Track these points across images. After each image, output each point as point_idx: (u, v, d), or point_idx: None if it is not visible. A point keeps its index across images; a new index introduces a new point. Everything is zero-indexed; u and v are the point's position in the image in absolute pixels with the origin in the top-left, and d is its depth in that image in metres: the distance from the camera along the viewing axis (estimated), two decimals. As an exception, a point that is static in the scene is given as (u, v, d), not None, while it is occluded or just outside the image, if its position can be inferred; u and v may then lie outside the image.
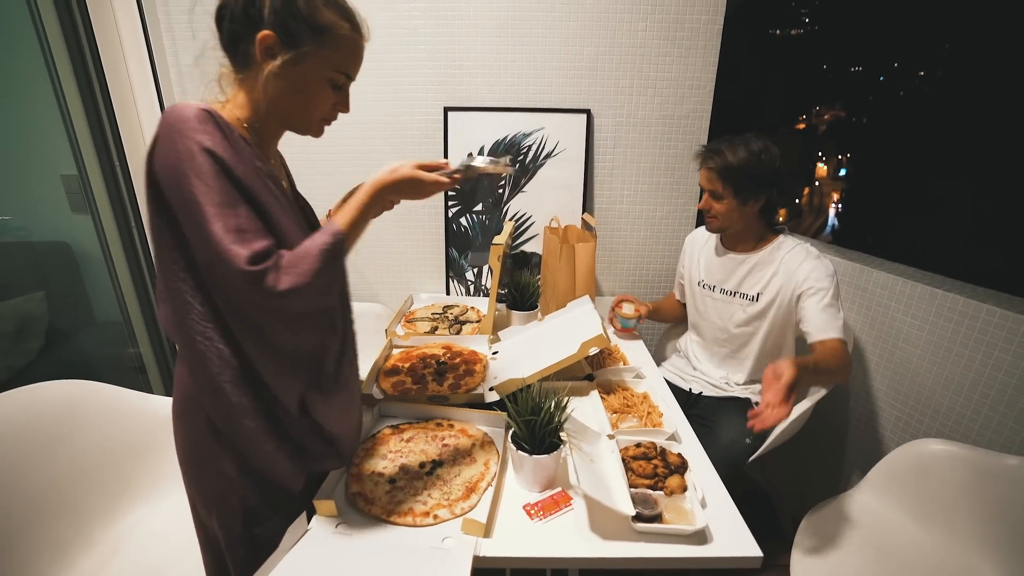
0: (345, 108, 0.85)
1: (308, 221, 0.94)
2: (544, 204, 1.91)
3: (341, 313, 0.85)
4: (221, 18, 0.76)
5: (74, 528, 1.10)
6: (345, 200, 0.95)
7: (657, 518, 0.86)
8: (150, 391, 1.27)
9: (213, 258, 0.67)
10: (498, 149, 1.85)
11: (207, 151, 0.67)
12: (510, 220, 1.92)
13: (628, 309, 1.65)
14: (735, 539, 0.84)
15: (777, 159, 1.37)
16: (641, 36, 1.74)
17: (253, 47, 0.74)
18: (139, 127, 1.73)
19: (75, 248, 1.72)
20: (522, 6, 1.71)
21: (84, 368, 1.79)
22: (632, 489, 0.89)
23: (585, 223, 1.82)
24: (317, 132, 0.86)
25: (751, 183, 1.37)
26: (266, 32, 0.73)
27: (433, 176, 0.84)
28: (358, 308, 2.22)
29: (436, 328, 1.62)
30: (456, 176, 0.87)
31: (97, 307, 1.81)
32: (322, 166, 1.87)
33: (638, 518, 0.84)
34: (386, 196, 0.82)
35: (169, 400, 0.91)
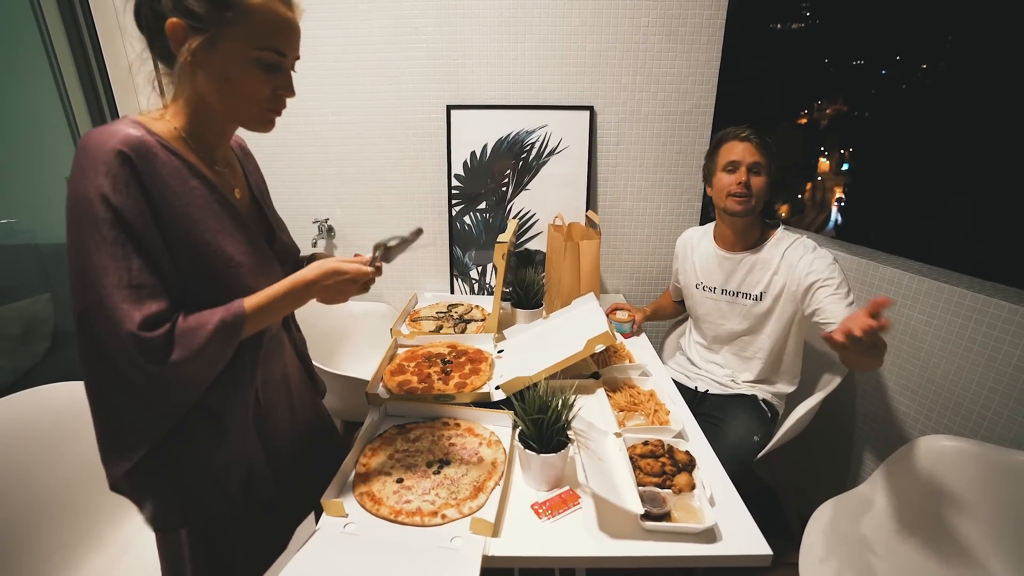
0: (288, 92, 0.77)
1: (270, 235, 0.89)
2: (548, 202, 1.91)
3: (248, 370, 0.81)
4: (138, 16, 0.71)
5: (83, 529, 1.11)
6: (311, 259, 0.92)
7: (666, 516, 0.85)
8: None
9: (92, 309, 0.65)
10: (501, 147, 1.85)
11: (103, 198, 0.63)
12: (514, 218, 1.91)
13: (622, 315, 1.66)
14: (744, 537, 0.84)
15: None
16: (643, 32, 1.74)
17: (168, 40, 0.69)
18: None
19: (80, 250, 1.72)
20: (524, 3, 1.71)
21: (90, 370, 1.79)
22: (640, 487, 0.89)
23: (589, 220, 1.82)
24: (262, 125, 0.78)
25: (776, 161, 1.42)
26: (171, 20, 0.67)
27: (356, 265, 0.81)
28: (363, 308, 2.20)
29: (441, 327, 1.61)
30: (378, 264, 0.86)
31: (102, 309, 1.81)
32: (326, 167, 1.86)
33: (647, 516, 0.84)
34: (309, 292, 0.79)
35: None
